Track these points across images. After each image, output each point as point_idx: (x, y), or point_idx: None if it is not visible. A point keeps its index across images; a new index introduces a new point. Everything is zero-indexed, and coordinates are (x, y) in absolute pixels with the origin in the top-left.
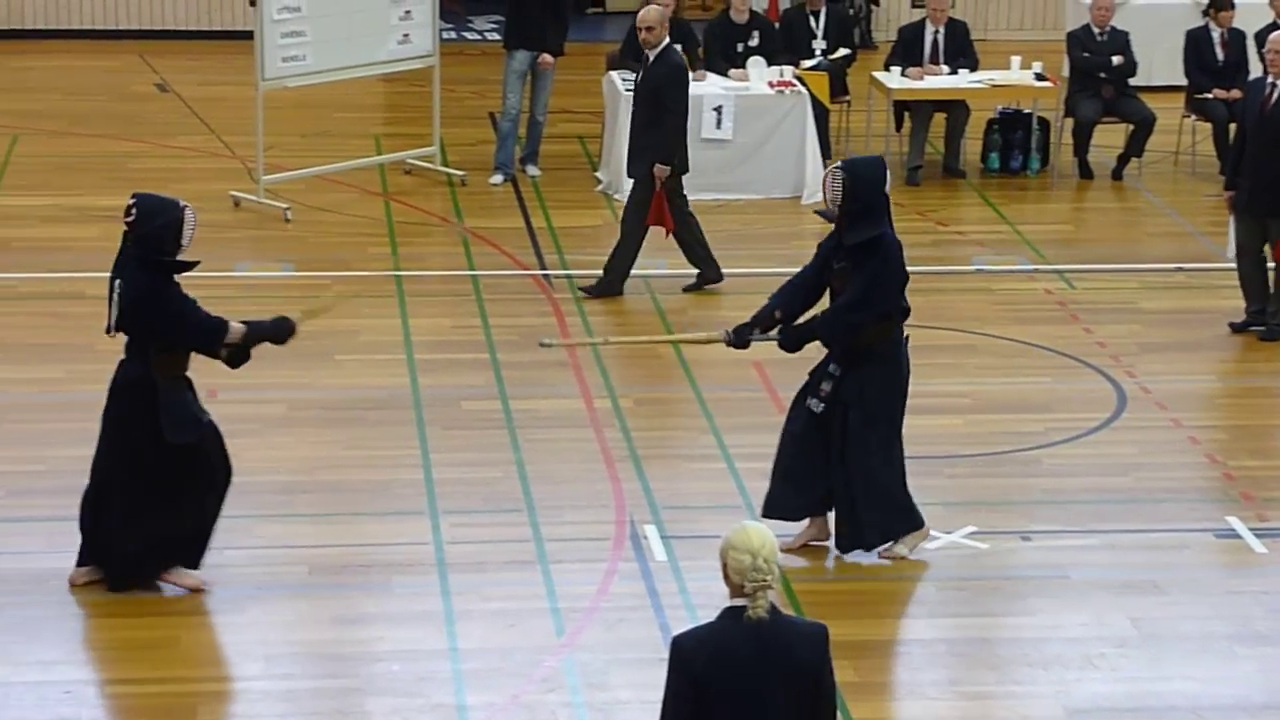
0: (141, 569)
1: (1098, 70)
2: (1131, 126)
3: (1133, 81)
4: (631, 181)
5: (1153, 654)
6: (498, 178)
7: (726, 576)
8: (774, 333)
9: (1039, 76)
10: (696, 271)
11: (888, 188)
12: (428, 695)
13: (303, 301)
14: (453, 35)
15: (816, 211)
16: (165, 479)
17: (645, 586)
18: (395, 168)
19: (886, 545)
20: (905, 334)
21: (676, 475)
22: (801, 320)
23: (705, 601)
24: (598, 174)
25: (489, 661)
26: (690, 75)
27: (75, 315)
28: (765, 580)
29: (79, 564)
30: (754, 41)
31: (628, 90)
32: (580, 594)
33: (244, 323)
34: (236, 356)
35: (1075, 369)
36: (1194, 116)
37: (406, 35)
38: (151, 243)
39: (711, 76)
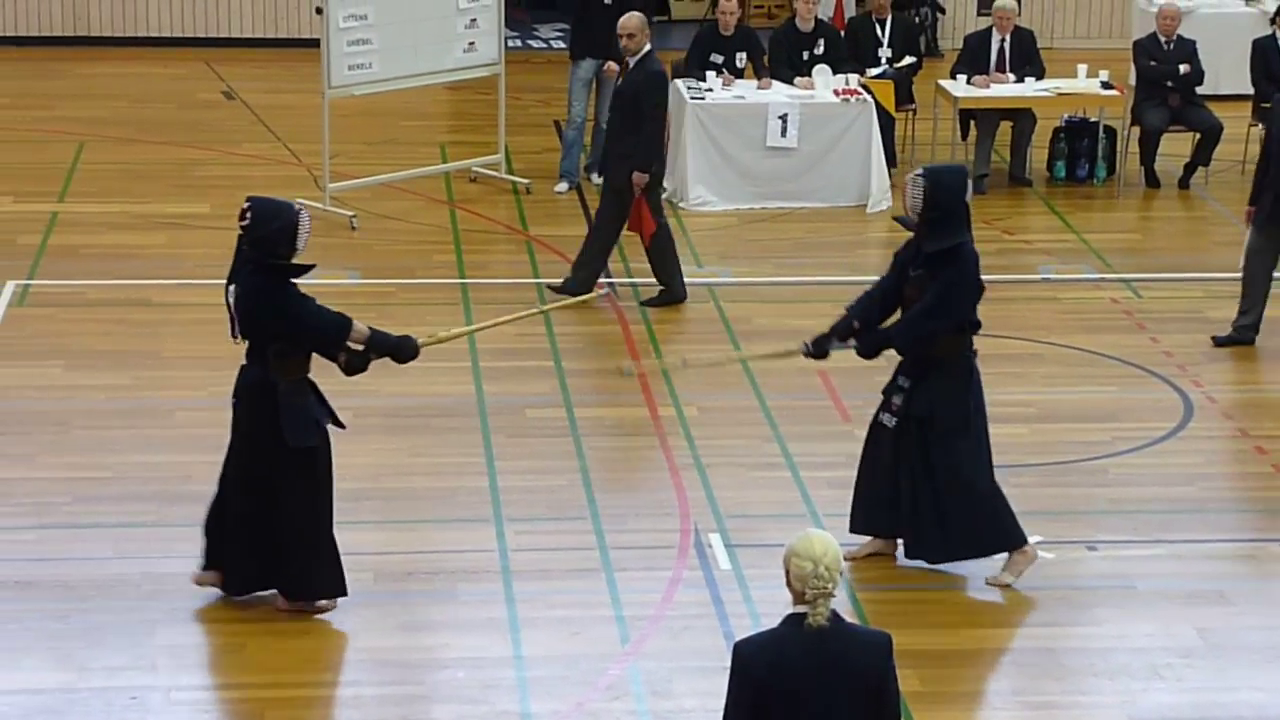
0: (260, 580)
1: (1164, 79)
2: (1198, 135)
3: (1199, 90)
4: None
5: (1219, 665)
6: (563, 185)
7: (789, 583)
8: (851, 341)
9: (1105, 85)
10: (660, 287)
11: (969, 196)
12: (492, 702)
13: (368, 310)
14: (518, 43)
15: (895, 218)
16: (282, 484)
17: (710, 595)
18: (461, 176)
19: (993, 575)
20: (974, 348)
21: (741, 484)
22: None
23: (769, 610)
24: (664, 183)
25: (553, 669)
26: (670, 82)
27: (142, 322)
28: (826, 588)
29: (204, 567)
30: (819, 50)
31: (694, 99)
32: (645, 602)
33: (370, 329)
34: (355, 363)
35: (1141, 378)
36: (1261, 125)
37: (472, 43)
38: (266, 246)
39: (777, 84)
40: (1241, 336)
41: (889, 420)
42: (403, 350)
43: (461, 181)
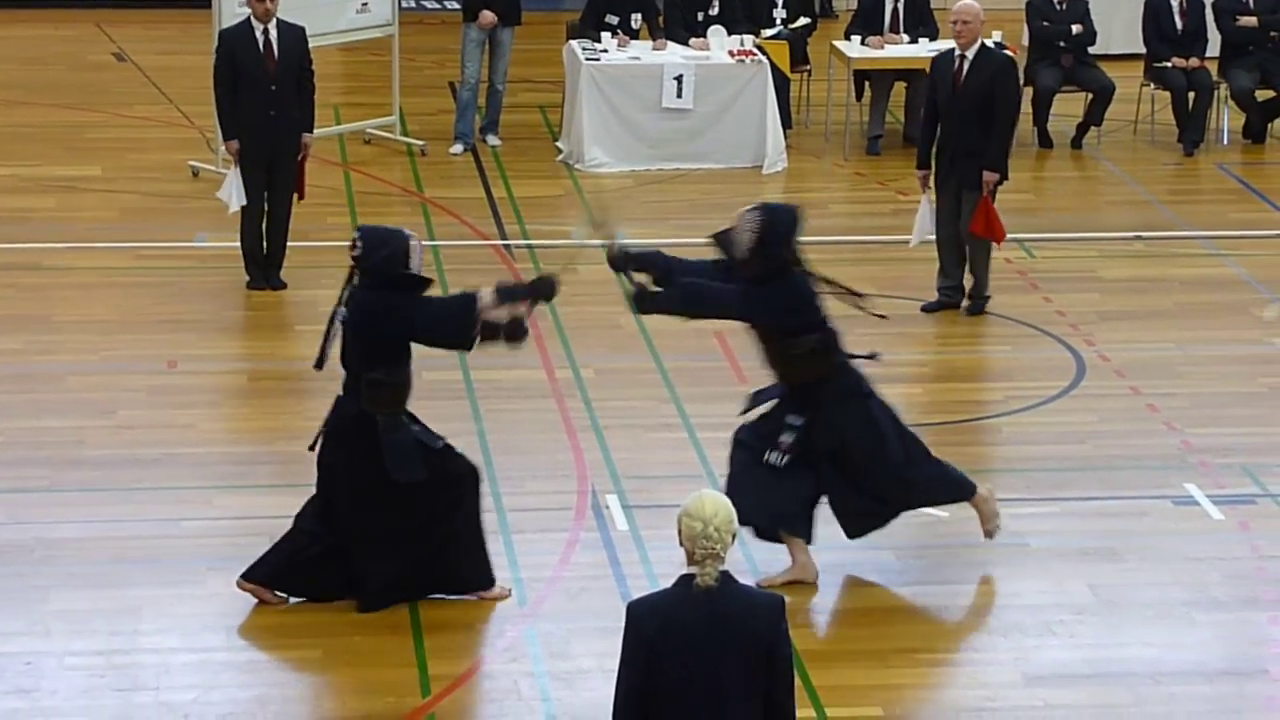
0: (399, 594)
1: (1057, 39)
2: (1090, 95)
3: (1092, 50)
4: None
5: (1111, 621)
6: (458, 147)
7: (681, 543)
8: (638, 278)
9: (999, 45)
10: None
11: (798, 235)
12: (390, 666)
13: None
14: (412, 4)
15: (714, 236)
16: (406, 512)
17: (607, 556)
18: (355, 137)
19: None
20: (847, 362)
21: (638, 445)
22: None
23: (667, 571)
24: (559, 144)
25: (452, 632)
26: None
27: (33, 286)
28: (714, 549)
29: (254, 580)
30: (714, 10)
31: (589, 60)
32: (542, 564)
33: (496, 289)
34: (511, 331)
35: (1035, 337)
36: (1153, 85)
37: (365, 4)
38: (379, 272)
39: (672, 45)
40: (949, 299)
41: (778, 459)
42: (541, 290)
43: (356, 143)
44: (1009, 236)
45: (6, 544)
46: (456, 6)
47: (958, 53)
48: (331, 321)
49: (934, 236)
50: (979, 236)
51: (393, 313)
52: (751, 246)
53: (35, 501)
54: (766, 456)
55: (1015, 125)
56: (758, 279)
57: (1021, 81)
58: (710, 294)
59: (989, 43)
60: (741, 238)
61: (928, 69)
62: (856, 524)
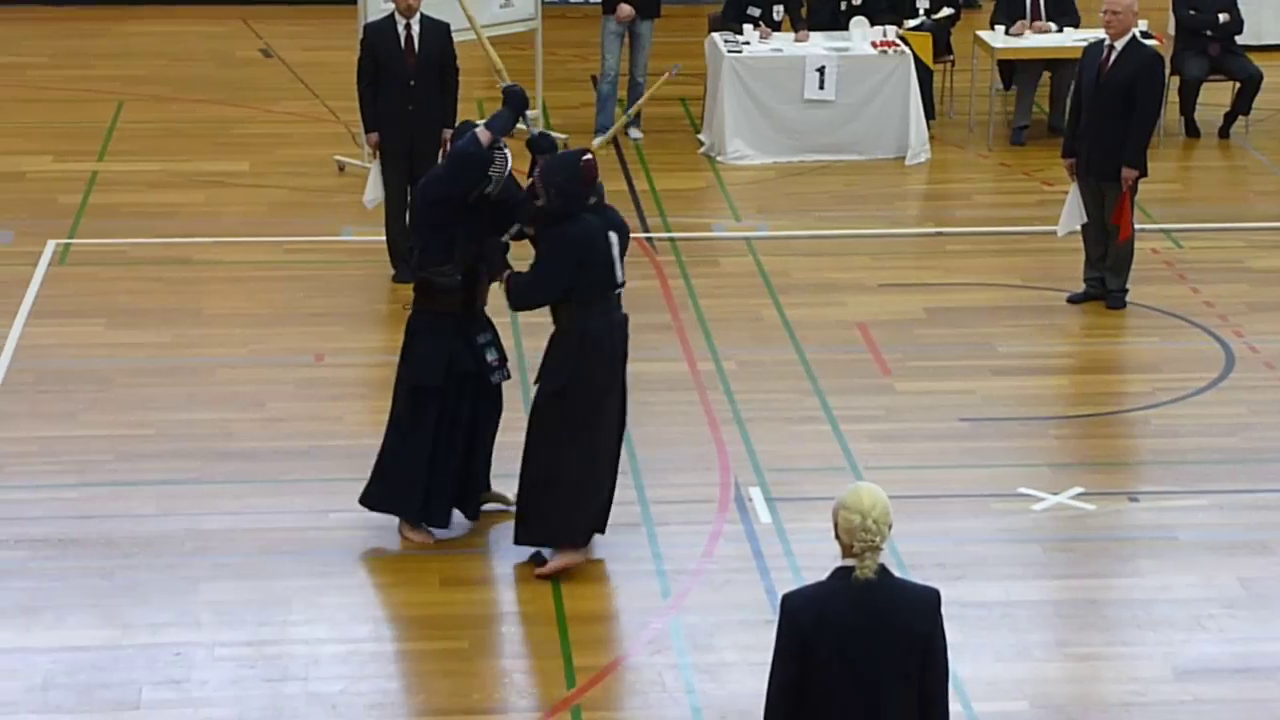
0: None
1: (1204, 28)
2: (1238, 84)
3: (1239, 39)
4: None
5: (1262, 614)
6: (599, 139)
7: (837, 535)
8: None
9: (1144, 34)
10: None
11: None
12: (535, 657)
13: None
14: None
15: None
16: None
17: (750, 549)
18: None
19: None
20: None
21: (781, 438)
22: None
23: (810, 564)
24: (700, 136)
25: (596, 624)
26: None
27: (182, 280)
28: (874, 541)
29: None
30: (858, 1)
31: (731, 52)
32: (686, 556)
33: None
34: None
35: (1182, 328)
36: None
37: None
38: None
39: (815, 36)
40: (1096, 291)
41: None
42: (513, 101)
43: None
44: (1157, 227)
45: (157, 535)
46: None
47: (1107, 43)
48: None
49: (1083, 225)
50: (1127, 235)
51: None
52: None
53: (185, 493)
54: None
55: (1156, 121)
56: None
57: (1167, 75)
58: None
59: (1139, 34)
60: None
61: (1077, 57)
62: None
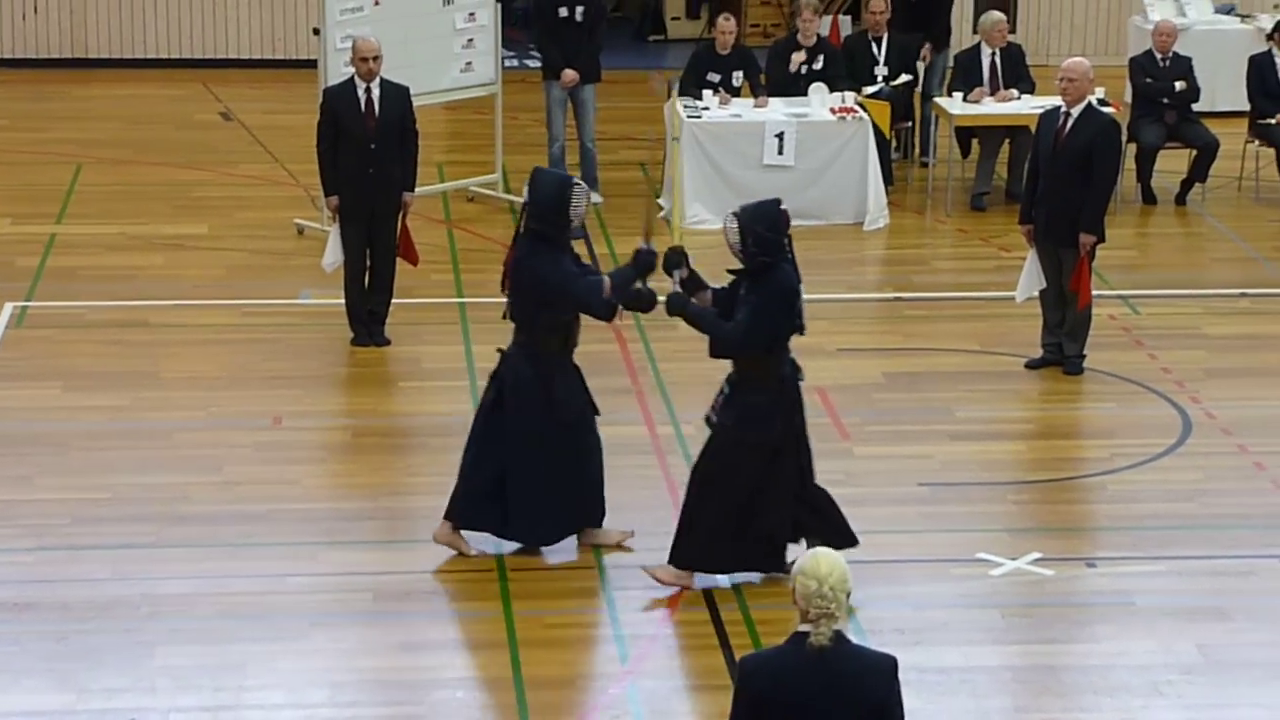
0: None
1: (1160, 96)
2: (1195, 152)
3: (1195, 107)
4: None
5: (1219, 681)
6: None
7: (795, 601)
8: (681, 289)
9: (1102, 102)
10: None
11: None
12: None
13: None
14: (515, 63)
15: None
16: (564, 452)
17: (709, 614)
18: (458, 195)
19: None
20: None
21: None
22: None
23: (769, 629)
24: (660, 201)
25: (553, 688)
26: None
27: (140, 343)
28: (829, 608)
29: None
30: (818, 65)
31: (690, 118)
32: (644, 621)
33: (611, 277)
34: (640, 307)
35: (1140, 394)
36: (1257, 142)
37: (469, 63)
38: (537, 215)
39: (774, 102)
40: (1054, 356)
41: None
42: (642, 265)
43: (459, 201)
44: (1115, 293)
45: (113, 599)
46: None
47: (1063, 110)
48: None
49: (1041, 291)
50: (1086, 301)
51: (538, 269)
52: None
53: (141, 557)
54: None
55: (1113, 187)
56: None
57: (1124, 142)
58: (716, 328)
59: (1095, 101)
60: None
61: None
62: None
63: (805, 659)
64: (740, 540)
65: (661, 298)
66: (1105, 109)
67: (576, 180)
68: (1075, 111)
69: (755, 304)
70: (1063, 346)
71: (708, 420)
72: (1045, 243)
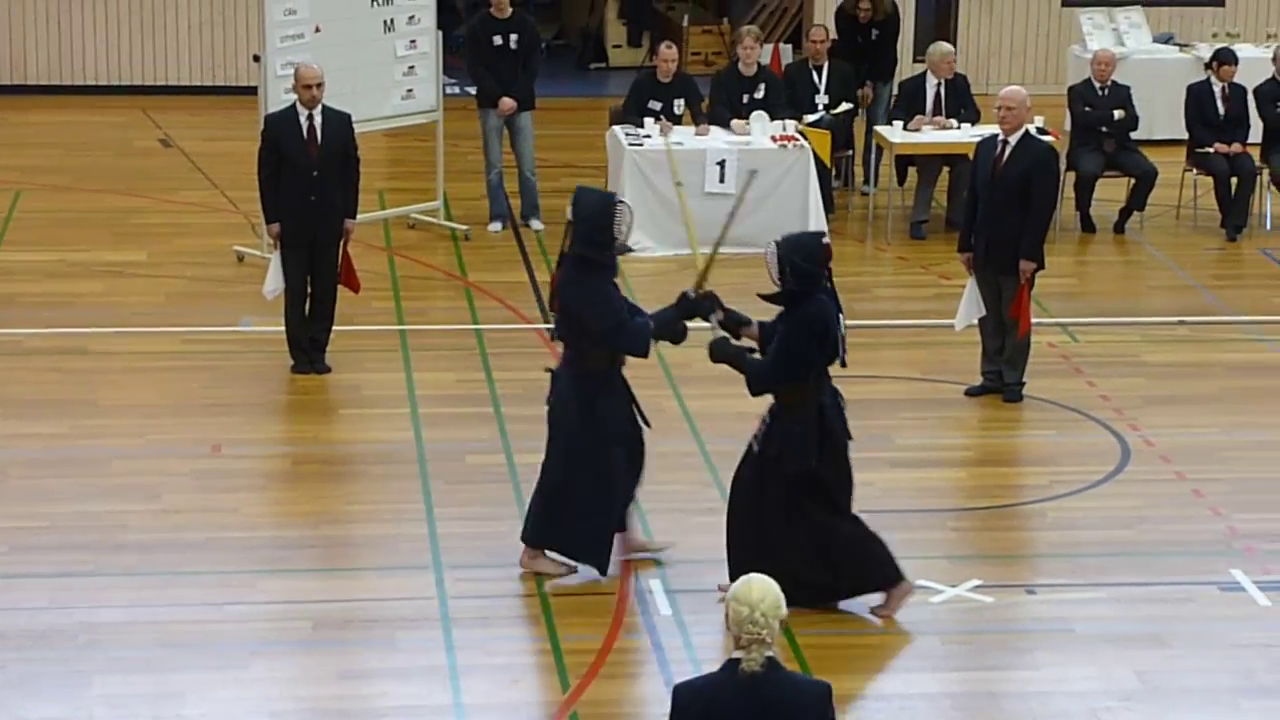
0: (601, 548)
1: (1099, 124)
2: (1133, 180)
3: (1134, 135)
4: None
5: (1158, 708)
6: (496, 225)
7: (728, 627)
8: (723, 330)
9: (1041, 130)
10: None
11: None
12: None
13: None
14: (456, 90)
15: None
16: (603, 470)
17: (650, 640)
18: (399, 222)
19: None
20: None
21: (681, 529)
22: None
23: (710, 655)
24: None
25: (494, 716)
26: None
27: (79, 371)
28: (760, 634)
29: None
30: (760, 94)
31: (632, 145)
32: (585, 648)
33: (651, 320)
34: (674, 340)
35: (1079, 422)
36: (1195, 170)
37: (410, 90)
38: (581, 236)
39: (715, 130)
40: (993, 384)
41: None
42: (683, 310)
43: (400, 228)
44: (1054, 321)
45: (50, 629)
46: None
47: (1001, 138)
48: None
49: (981, 319)
50: (1026, 328)
51: (586, 306)
52: (777, 277)
53: (79, 586)
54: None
55: (1051, 215)
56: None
57: (1063, 170)
58: (747, 366)
59: (1033, 130)
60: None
61: (970, 154)
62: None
63: (737, 685)
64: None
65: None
66: (1044, 137)
67: (620, 199)
68: (1013, 140)
69: (783, 335)
70: (1002, 374)
71: (750, 449)
72: (985, 271)
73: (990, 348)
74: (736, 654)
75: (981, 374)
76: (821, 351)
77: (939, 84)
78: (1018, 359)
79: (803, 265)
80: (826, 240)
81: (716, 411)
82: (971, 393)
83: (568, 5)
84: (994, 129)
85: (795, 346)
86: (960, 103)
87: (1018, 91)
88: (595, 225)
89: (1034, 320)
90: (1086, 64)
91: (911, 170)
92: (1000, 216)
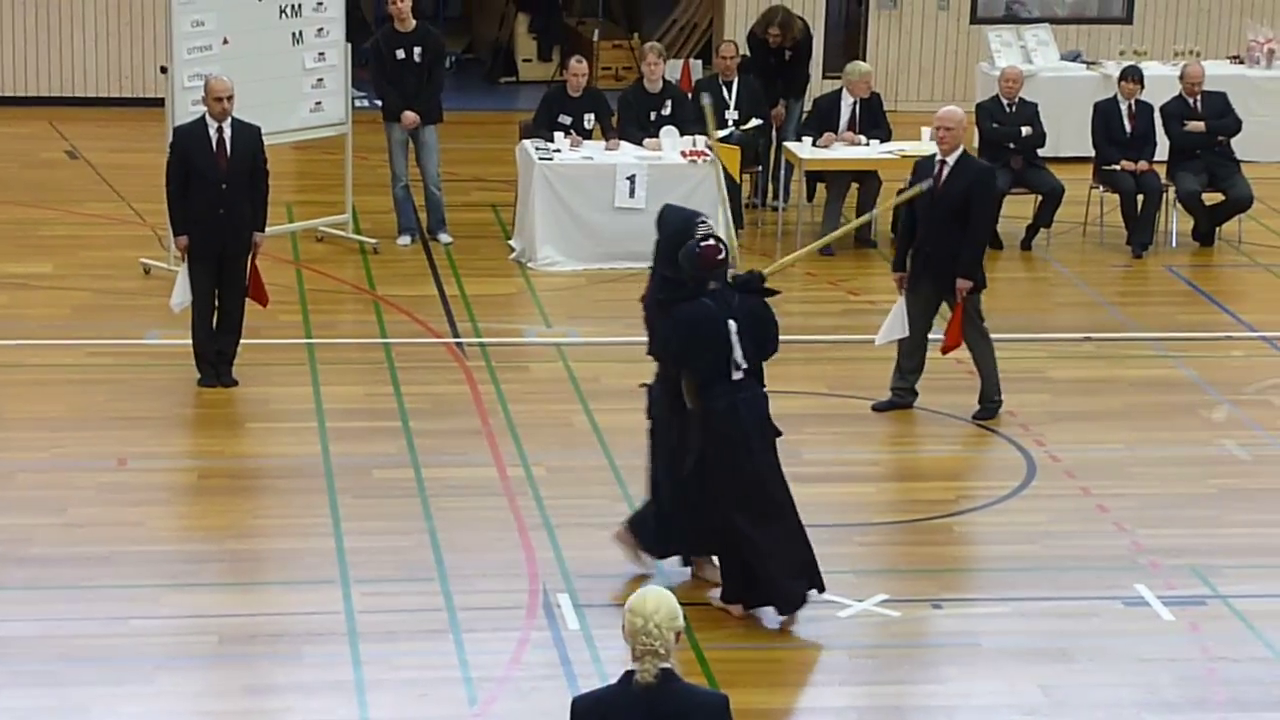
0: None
1: (1007, 141)
2: (1040, 197)
3: (1041, 152)
4: None
5: None
6: (405, 239)
7: (625, 638)
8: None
9: None
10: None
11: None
12: None
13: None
14: (365, 103)
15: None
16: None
17: (558, 655)
18: (307, 235)
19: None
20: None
21: (590, 543)
22: None
23: (618, 670)
24: (511, 242)
25: None
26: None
27: None
28: (653, 645)
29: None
30: (667, 110)
31: (542, 159)
32: (493, 663)
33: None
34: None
35: (985, 437)
36: (1102, 188)
37: (319, 103)
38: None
39: (625, 145)
40: (901, 400)
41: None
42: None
43: (308, 241)
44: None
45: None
46: None
47: (939, 158)
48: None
49: (902, 338)
50: (953, 346)
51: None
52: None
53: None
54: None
55: (990, 233)
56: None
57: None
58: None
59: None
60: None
61: (880, 170)
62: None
63: (631, 697)
64: None
65: None
66: (981, 161)
67: (703, 217)
68: (951, 159)
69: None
70: (918, 391)
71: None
72: (919, 289)
73: (906, 365)
74: (632, 665)
75: (891, 389)
76: (697, 355)
77: (855, 102)
78: (989, 375)
79: (685, 265)
80: (708, 243)
81: (627, 426)
82: (879, 408)
83: (478, 19)
84: (902, 145)
85: (663, 332)
86: (874, 121)
87: (955, 112)
88: (674, 244)
89: (932, 336)
90: (994, 81)
91: (820, 186)
92: (939, 236)
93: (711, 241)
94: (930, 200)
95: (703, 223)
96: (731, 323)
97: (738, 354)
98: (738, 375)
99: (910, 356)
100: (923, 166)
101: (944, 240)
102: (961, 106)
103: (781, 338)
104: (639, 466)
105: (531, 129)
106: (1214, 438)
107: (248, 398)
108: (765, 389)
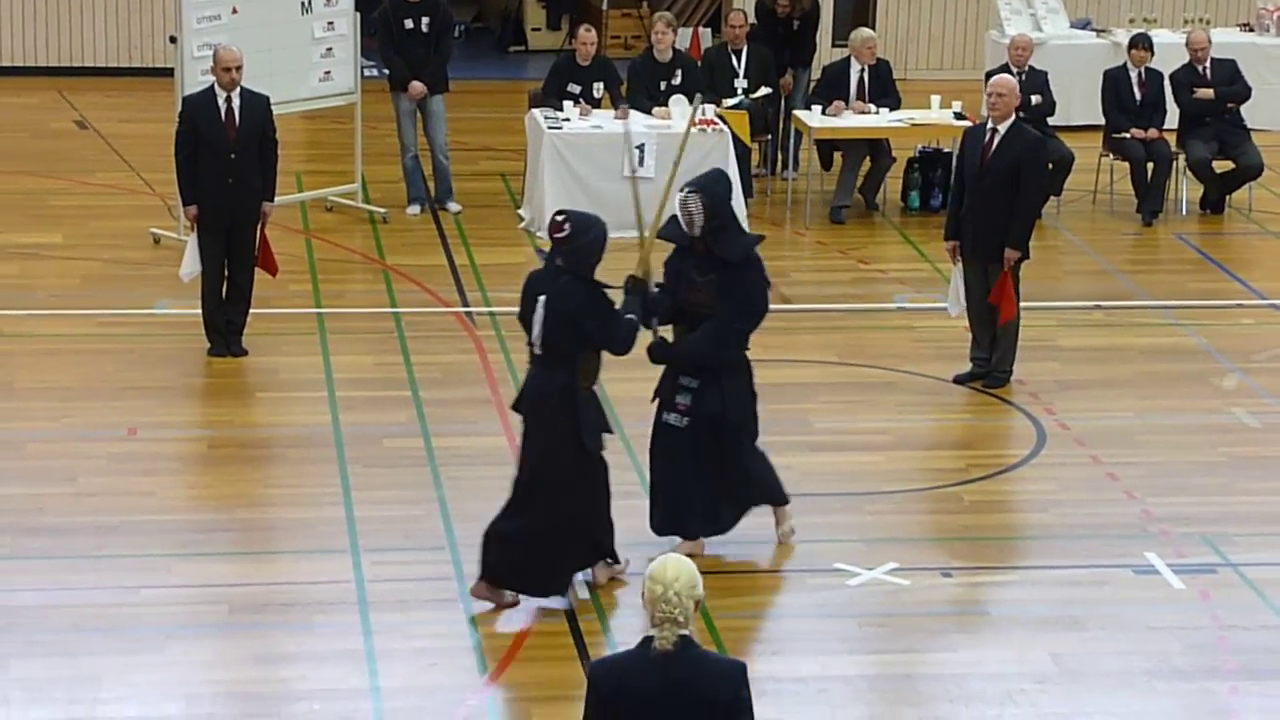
0: (560, 573)
1: (1016, 110)
2: (1050, 165)
3: (1051, 121)
4: None
5: (1072, 690)
6: (414, 208)
7: (644, 605)
8: (654, 330)
9: (958, 115)
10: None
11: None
12: None
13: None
14: (374, 73)
15: (660, 234)
16: (573, 481)
17: (568, 624)
18: (317, 205)
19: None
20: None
21: None
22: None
23: (627, 639)
24: (520, 211)
25: (411, 700)
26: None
27: None
28: (672, 613)
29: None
30: (677, 80)
31: (551, 129)
32: (503, 632)
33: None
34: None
35: (995, 406)
36: (1112, 155)
37: (328, 72)
38: (581, 256)
39: (634, 114)
40: (980, 370)
41: (678, 420)
42: (637, 288)
43: (318, 211)
44: None
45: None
46: None
47: (989, 126)
48: (532, 307)
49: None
50: (1010, 316)
51: (597, 312)
52: (704, 224)
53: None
54: (664, 418)
55: (1040, 203)
56: (741, 248)
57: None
58: (727, 328)
59: (950, 114)
60: (693, 219)
61: (891, 139)
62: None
63: (649, 662)
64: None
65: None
66: (962, 121)
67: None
68: (1002, 128)
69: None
70: (991, 359)
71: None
72: (973, 259)
73: (980, 337)
74: (651, 632)
75: (970, 359)
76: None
77: (862, 69)
78: (1007, 346)
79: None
80: (552, 218)
81: (634, 395)
82: (960, 380)
83: None
84: (912, 114)
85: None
86: (882, 88)
87: (1007, 79)
88: (592, 246)
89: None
90: (1004, 49)
91: (837, 155)
92: (987, 205)
93: (560, 218)
94: (979, 170)
95: (683, 190)
96: (541, 299)
97: (535, 332)
98: (538, 352)
99: (983, 328)
100: (972, 134)
101: (992, 209)
102: (971, 75)
103: (792, 307)
104: (647, 435)
105: (540, 98)
106: (1224, 405)
107: (257, 367)
108: (571, 383)
